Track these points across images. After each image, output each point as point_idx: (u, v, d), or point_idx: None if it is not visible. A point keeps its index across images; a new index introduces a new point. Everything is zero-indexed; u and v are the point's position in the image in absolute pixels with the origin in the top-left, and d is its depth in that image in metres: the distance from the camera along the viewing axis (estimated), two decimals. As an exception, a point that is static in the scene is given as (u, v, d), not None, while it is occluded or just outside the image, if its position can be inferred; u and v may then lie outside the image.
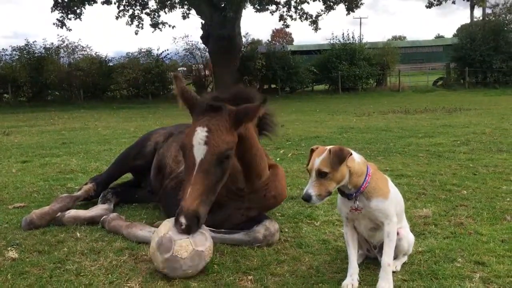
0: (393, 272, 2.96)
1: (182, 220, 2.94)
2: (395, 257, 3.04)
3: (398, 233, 3.00)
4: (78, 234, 3.87)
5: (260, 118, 3.80)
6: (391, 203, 2.88)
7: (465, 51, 30.15)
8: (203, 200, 3.01)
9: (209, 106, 3.19)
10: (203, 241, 3.07)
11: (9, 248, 3.54)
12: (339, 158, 2.67)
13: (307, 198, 2.68)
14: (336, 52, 30.60)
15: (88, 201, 4.66)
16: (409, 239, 3.10)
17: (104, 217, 4.09)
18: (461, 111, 15.51)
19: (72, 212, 4.18)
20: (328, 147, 2.75)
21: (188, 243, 2.99)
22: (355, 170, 2.77)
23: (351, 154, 2.74)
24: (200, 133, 3.08)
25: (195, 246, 3.01)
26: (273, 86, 30.32)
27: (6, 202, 4.96)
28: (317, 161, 2.70)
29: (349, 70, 29.42)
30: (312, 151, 2.81)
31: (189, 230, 2.97)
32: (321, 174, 2.68)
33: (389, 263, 2.82)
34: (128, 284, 2.92)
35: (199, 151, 3.06)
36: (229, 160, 3.15)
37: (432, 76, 36.66)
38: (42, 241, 3.71)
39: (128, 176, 5.24)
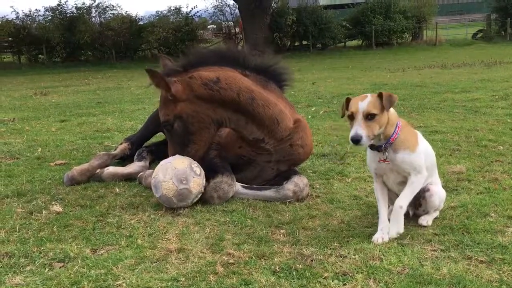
0: (424, 226, 3.01)
1: None
2: (426, 212, 3.08)
3: (429, 190, 3.03)
4: (117, 190, 4.04)
5: (266, 73, 3.89)
6: (418, 156, 2.89)
7: (508, 0, 28.50)
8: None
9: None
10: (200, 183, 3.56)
11: (54, 203, 3.74)
12: (390, 101, 2.74)
13: (358, 138, 2.67)
14: (370, 5, 29.47)
15: (123, 160, 4.81)
16: (440, 195, 3.10)
17: (141, 173, 4.24)
18: (501, 64, 14.86)
19: (111, 169, 4.35)
20: (369, 94, 2.80)
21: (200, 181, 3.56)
22: (391, 119, 2.83)
23: None
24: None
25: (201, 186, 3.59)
26: (304, 42, 29.63)
27: (48, 160, 5.19)
28: (364, 103, 2.71)
29: (384, 24, 28.38)
30: (348, 99, 2.83)
31: None
32: (368, 116, 2.70)
33: (401, 205, 2.87)
34: (166, 236, 3.06)
35: None
36: (173, 127, 3.57)
37: (471, 29, 34.98)
38: (84, 196, 3.91)
39: (162, 135, 5.36)
